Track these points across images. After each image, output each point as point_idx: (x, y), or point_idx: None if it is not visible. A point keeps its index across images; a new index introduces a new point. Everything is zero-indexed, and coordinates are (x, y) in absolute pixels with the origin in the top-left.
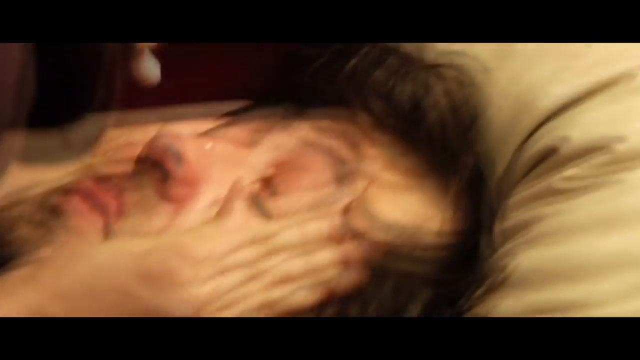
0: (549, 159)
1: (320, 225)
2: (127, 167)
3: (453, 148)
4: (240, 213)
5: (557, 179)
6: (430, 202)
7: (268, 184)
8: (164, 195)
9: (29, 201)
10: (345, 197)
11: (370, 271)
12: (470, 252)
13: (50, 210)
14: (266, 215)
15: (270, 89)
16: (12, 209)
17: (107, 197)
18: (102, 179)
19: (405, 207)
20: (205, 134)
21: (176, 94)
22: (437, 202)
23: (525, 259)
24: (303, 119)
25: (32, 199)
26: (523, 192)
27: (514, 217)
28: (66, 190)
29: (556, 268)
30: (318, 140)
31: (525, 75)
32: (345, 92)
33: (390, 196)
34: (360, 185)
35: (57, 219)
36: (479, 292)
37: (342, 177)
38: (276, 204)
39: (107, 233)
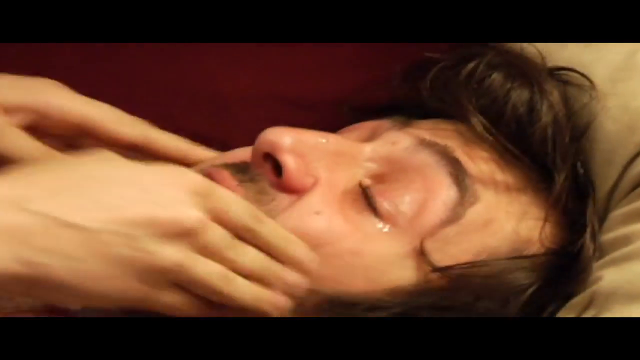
0: None
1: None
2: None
3: (563, 152)
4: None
5: None
6: (540, 205)
7: (381, 180)
8: (280, 187)
9: None
10: (467, 202)
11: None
12: (572, 260)
13: None
14: (378, 215)
15: (392, 94)
16: None
17: (228, 183)
18: (219, 166)
19: (521, 209)
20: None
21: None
22: (546, 206)
23: (615, 273)
24: (419, 122)
25: None
26: (627, 206)
27: (615, 230)
28: None
29: None
30: (433, 140)
31: None
32: (460, 94)
33: (505, 198)
34: (477, 187)
35: None
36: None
37: (460, 180)
38: (388, 204)
39: None
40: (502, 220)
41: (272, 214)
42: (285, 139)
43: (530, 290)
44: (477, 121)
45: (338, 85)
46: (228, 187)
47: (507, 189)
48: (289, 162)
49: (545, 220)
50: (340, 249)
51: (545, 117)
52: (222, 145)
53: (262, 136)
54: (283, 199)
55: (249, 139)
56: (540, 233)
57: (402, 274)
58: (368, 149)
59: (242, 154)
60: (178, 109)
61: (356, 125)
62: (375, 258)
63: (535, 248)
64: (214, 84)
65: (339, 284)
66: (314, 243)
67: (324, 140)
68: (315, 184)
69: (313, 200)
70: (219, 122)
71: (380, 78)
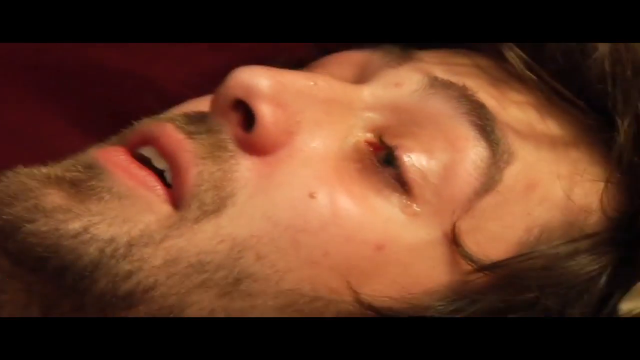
0: None
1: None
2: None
3: (626, 90)
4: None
5: None
6: (598, 161)
7: (387, 135)
8: (248, 145)
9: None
10: (502, 161)
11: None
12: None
13: (85, 167)
14: (400, 188)
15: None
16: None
17: (169, 141)
18: (157, 121)
19: (572, 168)
20: (299, 68)
21: None
22: (606, 163)
23: None
24: (421, 52)
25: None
26: None
27: None
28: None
29: None
30: (450, 79)
31: None
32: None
33: (550, 155)
34: (511, 140)
35: (96, 179)
36: None
37: (489, 132)
38: (414, 172)
39: (177, 196)
40: (548, 184)
41: (232, 182)
42: (262, 82)
43: (603, 279)
44: (512, 55)
45: None
46: (170, 142)
47: (552, 142)
48: (266, 112)
49: (608, 181)
50: (354, 246)
51: (602, 45)
52: None
53: (232, 77)
54: (246, 160)
55: None
56: (601, 199)
57: (432, 271)
58: (366, 93)
59: (199, 104)
60: None
61: (331, 59)
62: (403, 252)
63: (595, 218)
64: None
65: (359, 290)
66: (312, 243)
67: (311, 83)
68: (298, 147)
69: (302, 175)
70: None
71: None
